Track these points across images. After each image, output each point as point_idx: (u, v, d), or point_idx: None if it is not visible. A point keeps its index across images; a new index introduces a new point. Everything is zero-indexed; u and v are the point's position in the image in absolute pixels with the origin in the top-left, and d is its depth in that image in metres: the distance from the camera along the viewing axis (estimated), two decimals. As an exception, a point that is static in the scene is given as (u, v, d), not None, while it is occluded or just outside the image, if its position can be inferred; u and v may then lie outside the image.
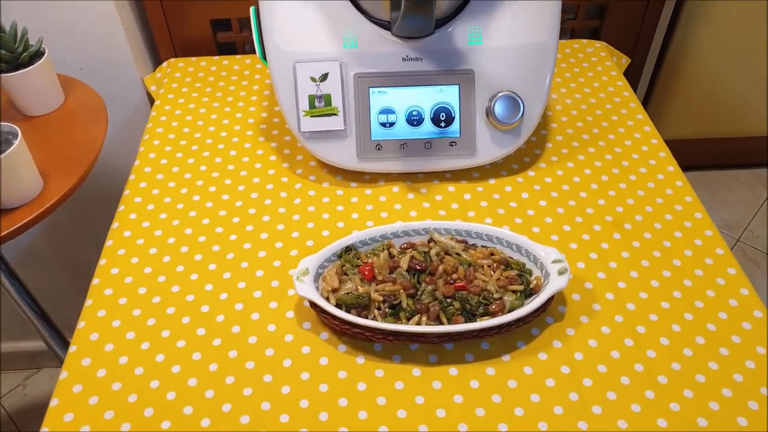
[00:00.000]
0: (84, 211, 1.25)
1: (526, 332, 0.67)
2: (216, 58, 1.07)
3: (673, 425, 0.59)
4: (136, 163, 0.88)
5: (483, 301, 0.65)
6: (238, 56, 1.07)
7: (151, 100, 1.13)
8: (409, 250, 0.70)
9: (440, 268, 0.67)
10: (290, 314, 0.69)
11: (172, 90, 1.01)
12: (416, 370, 0.64)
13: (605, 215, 0.79)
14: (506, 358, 0.65)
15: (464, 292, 0.65)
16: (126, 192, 0.84)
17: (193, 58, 1.07)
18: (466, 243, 0.72)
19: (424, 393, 0.62)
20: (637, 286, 0.71)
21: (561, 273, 0.67)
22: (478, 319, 0.65)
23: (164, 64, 1.07)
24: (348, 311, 0.66)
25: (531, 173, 0.85)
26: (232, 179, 0.85)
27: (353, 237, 0.71)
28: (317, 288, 0.67)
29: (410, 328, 0.63)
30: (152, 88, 1.08)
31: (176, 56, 1.13)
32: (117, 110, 1.13)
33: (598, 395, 0.61)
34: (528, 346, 0.66)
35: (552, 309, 0.68)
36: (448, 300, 0.65)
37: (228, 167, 0.87)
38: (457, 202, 0.81)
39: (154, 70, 1.10)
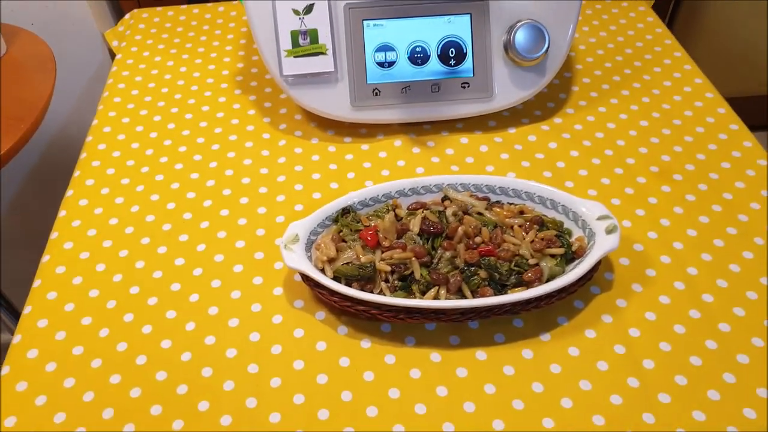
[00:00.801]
0: (48, 189, 1.12)
1: (568, 305, 0.55)
2: (184, 7, 0.93)
3: (764, 416, 0.47)
4: (94, 123, 0.75)
5: (515, 268, 0.53)
6: (210, 4, 0.93)
7: (114, 58, 0.99)
8: (420, 210, 0.57)
9: (460, 230, 0.54)
10: (278, 291, 0.56)
11: (136, 43, 0.87)
12: (435, 355, 0.51)
13: (649, 165, 0.67)
14: (545, 337, 0.53)
15: (491, 258, 0.53)
16: (82, 155, 0.71)
17: (159, 8, 0.93)
18: (489, 200, 0.59)
19: (446, 383, 0.50)
20: (698, 247, 0.58)
21: (610, 232, 0.54)
22: (509, 291, 0.52)
23: (127, 16, 0.94)
24: (349, 285, 0.53)
25: (557, 120, 0.73)
26: (205, 138, 0.72)
27: (351, 197, 0.59)
28: (310, 258, 0.55)
29: (426, 303, 0.51)
30: (114, 44, 0.94)
31: (140, 7, 0.99)
32: (75, 72, 0.99)
33: (664, 380, 0.49)
34: (571, 323, 0.53)
35: (597, 277, 0.56)
36: (472, 268, 0.53)
37: (200, 124, 0.73)
38: (472, 156, 0.68)
39: (115, 24, 0.97)
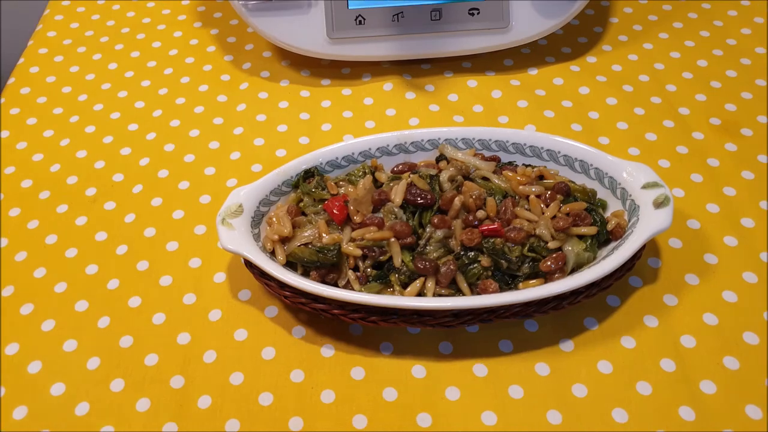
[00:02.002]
0: None
1: (600, 303, 0.41)
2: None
3: None
4: (21, 61, 0.62)
5: (529, 254, 0.39)
6: None
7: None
8: (407, 174, 0.44)
9: (457, 200, 0.40)
10: (220, 278, 0.44)
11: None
12: (419, 369, 0.39)
13: (709, 117, 0.52)
14: (567, 346, 0.39)
15: (498, 240, 0.39)
16: (1, 100, 0.58)
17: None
18: (499, 161, 0.45)
19: (432, 407, 0.37)
20: (776, 225, 0.44)
21: (659, 205, 0.40)
22: (520, 285, 0.39)
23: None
24: (306, 274, 0.40)
25: (591, 59, 0.57)
26: (151, 80, 0.58)
27: (317, 156, 0.45)
28: (257, 237, 0.42)
29: (406, 301, 0.38)
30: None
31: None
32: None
33: (730, 410, 0.36)
34: (603, 326, 0.40)
35: (639, 264, 0.42)
36: (471, 253, 0.39)
37: (148, 64, 0.60)
38: (481, 104, 0.54)
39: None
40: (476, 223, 0.40)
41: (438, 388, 0.38)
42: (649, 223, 0.39)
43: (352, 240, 0.40)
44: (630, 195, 0.42)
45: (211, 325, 0.41)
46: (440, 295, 0.39)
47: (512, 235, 0.39)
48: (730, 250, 0.43)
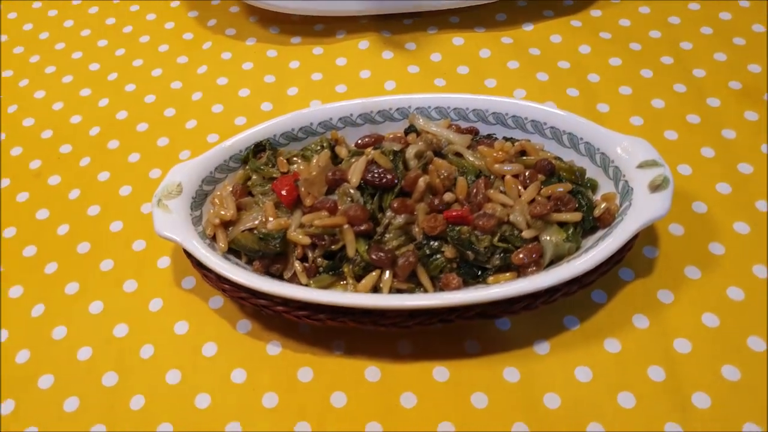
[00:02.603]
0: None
1: (583, 298, 0.36)
2: None
3: None
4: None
5: (500, 244, 0.34)
6: None
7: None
8: (370, 149, 0.38)
9: (421, 181, 0.35)
10: (164, 263, 0.40)
11: None
12: (372, 371, 0.35)
13: (729, 80, 0.45)
14: (542, 348, 0.35)
15: (464, 228, 0.34)
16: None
17: None
18: (476, 134, 0.40)
19: (383, 415, 0.33)
20: (796, 209, 0.38)
21: (656, 187, 0.35)
22: (490, 279, 0.34)
23: None
24: (250, 263, 0.36)
25: (595, 13, 0.51)
26: (109, 39, 0.53)
27: (270, 126, 0.40)
28: (199, 220, 0.37)
29: (354, 299, 0.33)
30: None
31: None
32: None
33: (723, 427, 0.31)
34: (584, 326, 0.35)
35: (631, 254, 0.37)
36: (434, 243, 0.35)
37: (106, 22, 0.55)
38: (467, 64, 0.48)
39: None
40: (442, 207, 0.35)
41: (392, 394, 0.34)
42: (642, 210, 0.34)
43: (302, 226, 0.36)
44: (624, 175, 0.36)
45: (150, 315, 0.38)
46: (398, 290, 0.34)
47: (481, 222, 0.34)
48: (740, 239, 0.38)
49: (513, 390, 0.33)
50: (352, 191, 0.36)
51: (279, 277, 0.35)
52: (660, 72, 0.46)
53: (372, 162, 0.37)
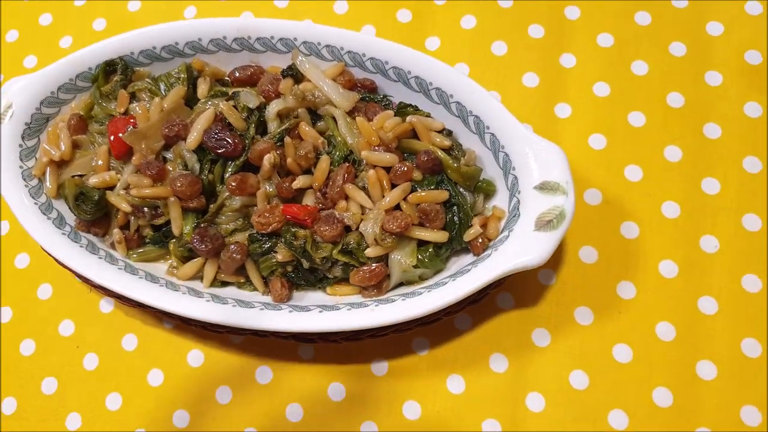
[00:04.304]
0: None
1: (445, 323, 0.31)
2: None
3: None
4: None
5: (341, 257, 0.28)
6: None
7: None
8: (238, 93, 0.31)
9: (266, 160, 0.29)
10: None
11: None
12: (196, 355, 0.32)
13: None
14: (380, 369, 0.31)
15: (302, 232, 0.28)
16: None
17: None
18: (370, 90, 0.31)
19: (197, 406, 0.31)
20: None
21: (545, 224, 0.27)
22: (329, 289, 0.29)
23: None
24: (77, 212, 0.32)
25: None
26: None
27: (128, 39, 0.33)
28: (32, 152, 0.33)
29: (147, 298, 0.29)
30: None
31: None
32: None
33: None
34: (434, 352, 0.31)
35: (516, 278, 0.30)
36: (269, 239, 0.29)
37: None
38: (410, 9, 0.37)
39: None
40: (288, 197, 0.29)
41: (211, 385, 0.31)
42: (515, 251, 0.27)
43: (126, 189, 0.30)
44: (519, 191, 0.28)
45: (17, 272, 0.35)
46: (224, 283, 0.30)
47: (323, 228, 0.28)
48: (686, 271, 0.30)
49: (335, 407, 0.30)
50: (187, 155, 0.30)
51: (100, 240, 0.31)
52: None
53: (220, 118, 0.30)
